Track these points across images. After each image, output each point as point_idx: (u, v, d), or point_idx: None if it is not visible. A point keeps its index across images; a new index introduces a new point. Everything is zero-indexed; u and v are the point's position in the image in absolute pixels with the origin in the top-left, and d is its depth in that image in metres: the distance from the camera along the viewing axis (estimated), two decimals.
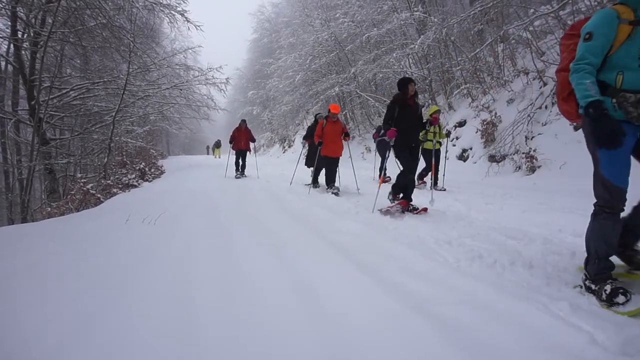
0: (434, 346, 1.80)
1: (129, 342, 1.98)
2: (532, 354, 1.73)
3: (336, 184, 7.35)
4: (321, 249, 3.41)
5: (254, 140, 11.07)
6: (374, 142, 9.05)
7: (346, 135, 7.42)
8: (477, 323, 1.98)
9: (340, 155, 7.47)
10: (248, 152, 10.97)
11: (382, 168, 7.71)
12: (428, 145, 7.35)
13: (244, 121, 11.04)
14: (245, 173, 10.77)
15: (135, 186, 10.47)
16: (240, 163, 10.71)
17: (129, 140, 14.84)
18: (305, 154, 9.18)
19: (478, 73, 11.03)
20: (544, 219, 3.22)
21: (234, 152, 10.86)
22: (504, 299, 2.23)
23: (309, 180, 8.13)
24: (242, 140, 10.70)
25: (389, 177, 8.09)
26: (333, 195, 6.75)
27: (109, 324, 2.17)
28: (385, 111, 5.05)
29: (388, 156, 5.85)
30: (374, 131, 9.37)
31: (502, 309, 2.11)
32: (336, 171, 7.42)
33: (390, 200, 5.29)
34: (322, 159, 7.40)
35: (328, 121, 7.22)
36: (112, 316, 2.26)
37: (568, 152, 6.08)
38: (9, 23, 9.91)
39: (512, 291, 2.35)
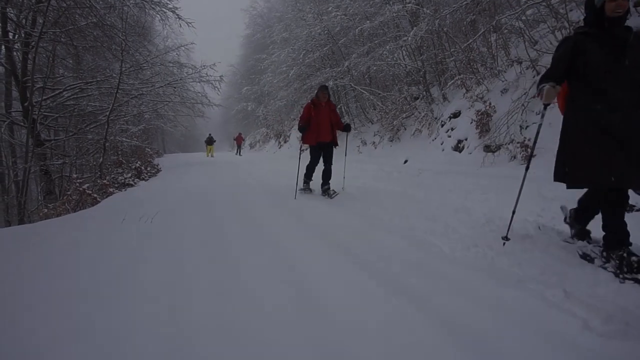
0: (430, 338, 1.84)
1: (122, 342, 2.00)
2: (527, 340, 1.77)
3: None
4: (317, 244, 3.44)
5: (343, 127, 6.11)
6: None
7: None
8: (472, 312, 2.02)
9: None
10: (334, 147, 6.08)
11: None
12: None
13: (324, 88, 5.91)
14: (330, 185, 6.02)
15: (132, 185, 10.44)
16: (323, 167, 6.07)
17: (124, 139, 14.75)
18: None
19: (472, 63, 11.02)
20: (537, 207, 3.26)
21: (308, 147, 6.10)
22: (499, 287, 2.27)
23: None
24: (324, 126, 5.84)
25: None
26: None
27: (102, 325, 2.19)
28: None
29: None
30: None
31: (497, 297, 2.15)
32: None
33: None
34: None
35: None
36: (106, 316, 2.29)
37: None
38: None
39: (508, 279, 2.39)
